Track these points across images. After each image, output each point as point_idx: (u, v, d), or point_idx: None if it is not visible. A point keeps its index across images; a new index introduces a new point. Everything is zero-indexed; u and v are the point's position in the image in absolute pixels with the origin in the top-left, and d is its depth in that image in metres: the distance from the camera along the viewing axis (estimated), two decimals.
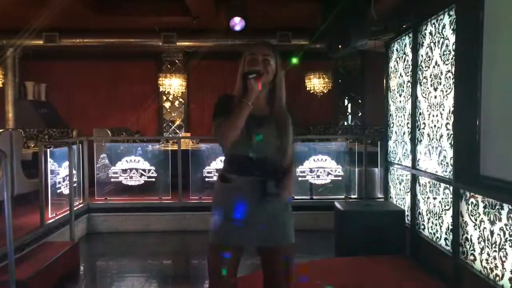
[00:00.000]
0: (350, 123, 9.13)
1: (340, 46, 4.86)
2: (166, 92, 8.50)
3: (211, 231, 2.00)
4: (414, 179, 4.31)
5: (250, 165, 1.94)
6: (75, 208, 4.79)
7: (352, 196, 5.91)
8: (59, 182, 5.09)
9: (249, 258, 2.09)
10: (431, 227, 3.92)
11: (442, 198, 3.70)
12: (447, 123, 3.57)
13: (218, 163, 5.78)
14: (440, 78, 3.70)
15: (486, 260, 3.00)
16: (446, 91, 3.58)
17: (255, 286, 2.11)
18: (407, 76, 4.51)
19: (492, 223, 2.91)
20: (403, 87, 4.65)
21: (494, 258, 2.89)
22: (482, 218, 3.05)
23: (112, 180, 5.87)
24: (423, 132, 4.10)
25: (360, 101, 9.12)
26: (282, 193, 1.95)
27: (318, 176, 5.86)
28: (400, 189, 4.80)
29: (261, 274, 2.06)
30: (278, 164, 1.99)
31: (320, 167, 5.86)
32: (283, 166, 2.01)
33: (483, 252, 3.04)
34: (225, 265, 1.96)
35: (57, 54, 8.28)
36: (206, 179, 5.81)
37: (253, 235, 1.94)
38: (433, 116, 3.85)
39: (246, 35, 6.98)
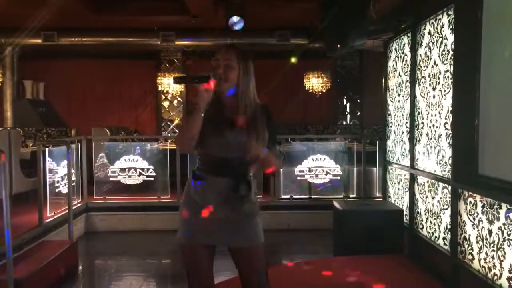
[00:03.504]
0: (348, 122, 9.14)
1: (338, 46, 4.86)
2: (164, 91, 8.50)
3: (180, 231, 2.00)
4: (413, 179, 4.31)
5: (223, 166, 1.97)
6: (73, 207, 4.78)
7: (351, 196, 5.91)
8: (58, 181, 5.09)
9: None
10: (430, 226, 3.93)
11: (441, 198, 3.70)
12: (446, 123, 3.57)
13: None
14: (439, 78, 3.71)
15: (484, 259, 3.00)
16: (445, 91, 3.59)
17: None
18: (406, 75, 4.51)
19: (491, 222, 2.91)
20: (402, 86, 4.65)
21: (492, 257, 2.90)
22: (480, 218, 3.05)
23: (111, 179, 5.86)
24: (421, 132, 4.10)
25: (358, 100, 9.13)
26: (251, 195, 1.98)
27: (316, 176, 5.86)
28: (398, 189, 4.81)
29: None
30: (250, 165, 2.00)
31: (318, 166, 5.87)
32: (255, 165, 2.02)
33: (481, 251, 3.05)
34: (202, 265, 1.98)
35: (56, 53, 8.26)
36: None
37: (224, 235, 1.96)
38: (432, 115, 3.85)
39: (245, 34, 6.98)
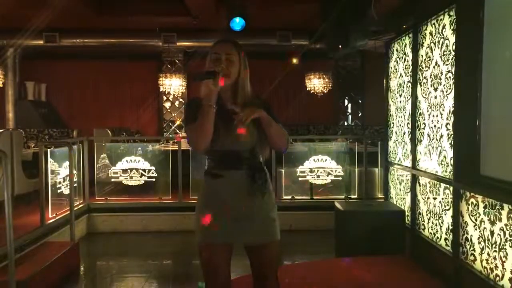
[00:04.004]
0: (350, 123, 9.14)
1: (340, 46, 4.87)
2: (166, 92, 8.50)
3: (199, 231, 1.99)
4: (414, 179, 4.31)
5: (234, 159, 1.96)
6: (75, 208, 4.78)
7: (352, 196, 5.91)
8: (59, 182, 5.09)
9: (245, 258, 2.08)
10: (431, 227, 3.92)
11: (442, 198, 3.70)
12: (447, 123, 3.57)
13: None
14: (440, 78, 3.70)
15: (486, 260, 3.00)
16: (446, 91, 3.58)
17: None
18: (407, 76, 4.51)
19: (492, 223, 2.91)
20: (403, 87, 4.65)
21: (494, 258, 2.89)
22: (482, 218, 3.05)
23: (112, 180, 5.87)
24: (423, 132, 4.10)
25: (360, 101, 9.12)
26: (268, 184, 2.01)
27: (318, 176, 5.86)
28: (400, 189, 4.80)
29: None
30: (259, 157, 2.03)
31: (320, 167, 5.86)
32: (264, 157, 2.06)
33: (483, 252, 3.04)
34: (221, 264, 1.97)
35: (57, 54, 8.29)
36: None
37: (242, 231, 1.94)
38: (433, 116, 3.85)
39: (246, 34, 6.98)
